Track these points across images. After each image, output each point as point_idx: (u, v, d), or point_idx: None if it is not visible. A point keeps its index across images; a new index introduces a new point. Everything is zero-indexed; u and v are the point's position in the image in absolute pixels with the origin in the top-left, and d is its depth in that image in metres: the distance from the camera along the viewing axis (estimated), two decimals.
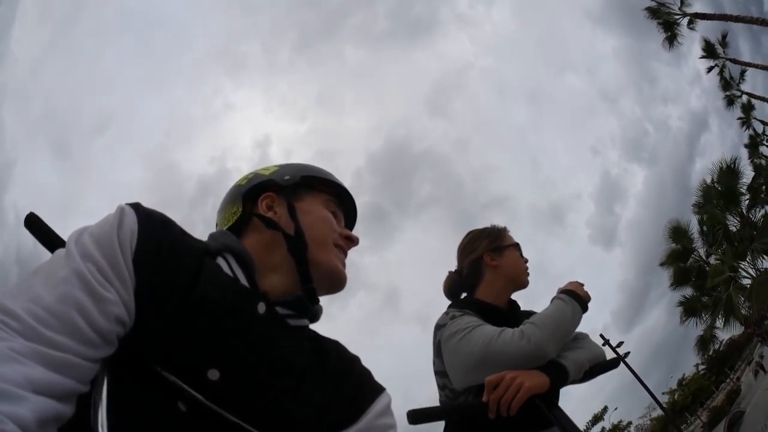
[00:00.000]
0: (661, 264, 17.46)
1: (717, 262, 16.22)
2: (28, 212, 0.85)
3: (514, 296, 1.82)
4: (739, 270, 15.69)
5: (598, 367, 1.58)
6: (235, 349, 0.75)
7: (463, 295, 1.84)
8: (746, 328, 18.97)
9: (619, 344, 22.20)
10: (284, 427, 0.77)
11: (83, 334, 0.65)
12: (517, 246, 1.84)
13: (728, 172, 15.91)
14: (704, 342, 17.72)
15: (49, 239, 0.83)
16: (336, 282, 0.94)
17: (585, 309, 1.60)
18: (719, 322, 16.18)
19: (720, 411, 22.47)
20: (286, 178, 0.96)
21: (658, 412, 28.51)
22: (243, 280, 0.82)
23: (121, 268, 0.70)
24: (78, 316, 0.65)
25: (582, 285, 1.68)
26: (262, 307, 0.81)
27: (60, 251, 0.72)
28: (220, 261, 0.83)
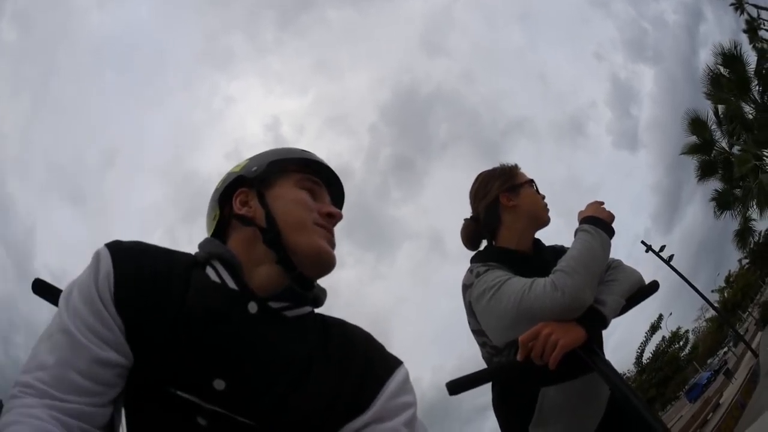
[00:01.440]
0: (682, 153, 17.21)
1: (740, 152, 16.01)
2: (34, 279, 0.95)
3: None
4: (764, 158, 15.49)
5: (636, 296, 1.51)
6: (233, 354, 0.77)
7: (484, 243, 1.77)
8: None
9: (662, 248, 21.40)
10: (294, 421, 0.78)
11: (85, 388, 0.72)
12: (531, 182, 1.74)
13: (733, 59, 15.54)
14: (743, 235, 17.51)
15: (57, 298, 0.86)
16: (321, 262, 0.91)
17: (611, 234, 1.51)
18: (755, 214, 16.08)
19: None
20: (254, 169, 0.94)
21: (712, 312, 28.34)
22: (231, 284, 0.83)
23: (103, 316, 0.75)
24: (75, 375, 0.72)
25: (602, 205, 1.59)
26: (253, 307, 0.82)
27: (56, 311, 0.79)
28: (209, 269, 0.84)
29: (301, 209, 0.92)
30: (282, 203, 0.91)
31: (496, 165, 1.79)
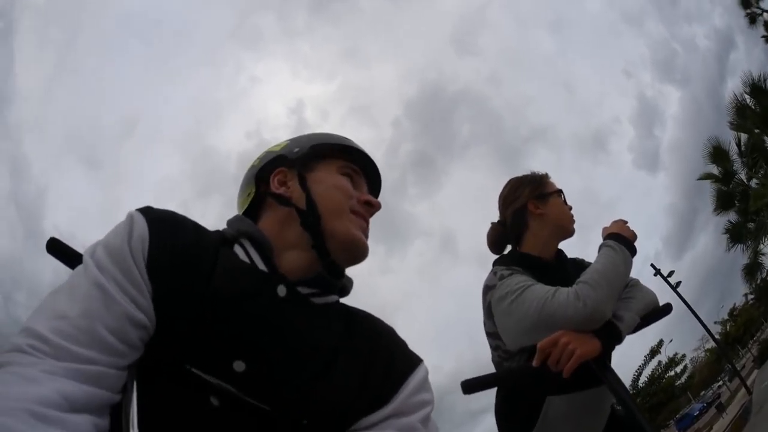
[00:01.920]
0: (699, 179, 17.05)
1: (757, 185, 15.81)
2: (49, 237, 0.89)
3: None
4: None
5: (650, 316, 1.55)
6: (258, 337, 0.75)
7: (508, 248, 1.79)
8: None
9: (670, 273, 21.73)
10: (316, 411, 0.77)
11: (110, 345, 0.68)
12: (560, 192, 1.76)
13: (760, 90, 15.32)
14: (751, 270, 17.31)
15: (72, 259, 0.86)
16: (355, 252, 0.90)
17: (634, 252, 1.54)
18: (766, 248, 15.89)
19: None
20: (296, 150, 0.93)
21: (712, 343, 28.18)
22: (261, 265, 0.81)
23: (135, 276, 0.72)
24: (103, 329, 0.67)
25: (626, 223, 1.62)
26: (282, 290, 0.80)
27: (78, 268, 0.74)
28: (237, 248, 0.83)
29: (342, 195, 0.90)
30: (323, 188, 0.90)
31: (519, 171, 1.80)
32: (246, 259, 0.81)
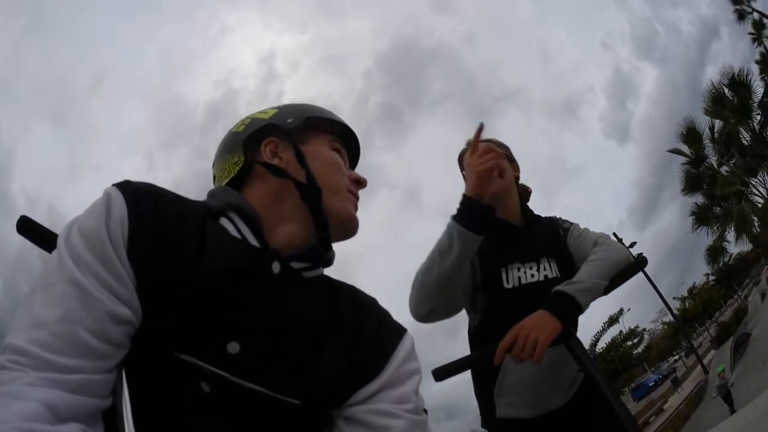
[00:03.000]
0: (670, 151, 17.39)
1: (728, 173, 16.15)
2: (20, 216, 0.83)
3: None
4: (750, 186, 15.65)
5: (623, 274, 1.52)
6: (253, 317, 0.72)
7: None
8: (755, 248, 19.16)
9: (632, 244, 22.03)
10: (309, 387, 0.75)
11: (93, 348, 0.63)
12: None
13: (740, 84, 15.52)
14: (714, 253, 17.89)
15: (45, 239, 0.81)
16: (350, 229, 0.90)
17: (480, 214, 1.37)
18: (730, 236, 16.35)
19: (727, 328, 22.95)
20: (289, 121, 0.89)
21: (670, 317, 29.28)
22: (252, 240, 0.78)
23: (115, 266, 0.66)
24: (84, 332, 0.62)
25: (486, 154, 1.41)
26: (276, 266, 0.77)
27: (53, 256, 0.68)
28: (225, 222, 0.79)
29: (338, 173, 0.90)
30: (320, 163, 0.88)
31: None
32: (237, 234, 0.77)
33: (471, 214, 1.34)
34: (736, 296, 36.92)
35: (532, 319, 1.36)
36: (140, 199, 0.71)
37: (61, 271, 0.65)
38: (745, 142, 15.93)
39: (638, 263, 1.57)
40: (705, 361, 21.98)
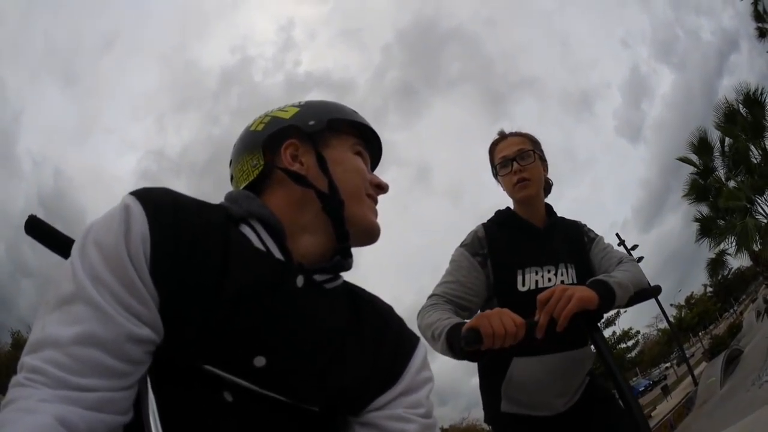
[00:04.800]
0: (678, 159, 17.27)
1: (734, 188, 16.09)
2: (29, 215, 0.79)
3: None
4: (756, 204, 15.61)
5: (641, 293, 1.55)
6: (279, 332, 0.72)
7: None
8: (756, 266, 19.11)
9: (634, 247, 22.24)
10: (330, 396, 0.76)
11: (112, 369, 0.61)
12: (503, 160, 1.77)
13: (754, 102, 15.41)
14: (715, 265, 17.85)
15: (56, 242, 0.78)
16: (371, 236, 0.88)
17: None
18: (731, 249, 16.33)
19: (721, 342, 22.97)
20: (311, 123, 0.85)
21: (665, 324, 29.35)
22: (276, 253, 0.76)
23: (136, 287, 0.63)
24: (102, 354, 0.61)
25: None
26: (300, 280, 0.76)
27: (68, 268, 0.65)
28: (246, 230, 0.76)
29: (360, 179, 0.87)
30: (343, 169, 0.85)
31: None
32: (260, 246, 0.75)
33: (462, 346, 1.30)
34: (732, 310, 36.96)
35: (572, 286, 1.39)
36: (161, 211, 0.68)
37: (77, 288, 0.62)
38: (754, 160, 15.87)
39: (654, 290, 1.60)
40: (696, 372, 22.08)
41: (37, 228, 0.77)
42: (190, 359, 0.68)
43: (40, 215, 0.79)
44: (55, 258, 0.76)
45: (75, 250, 0.66)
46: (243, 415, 0.70)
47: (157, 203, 0.68)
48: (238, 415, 0.70)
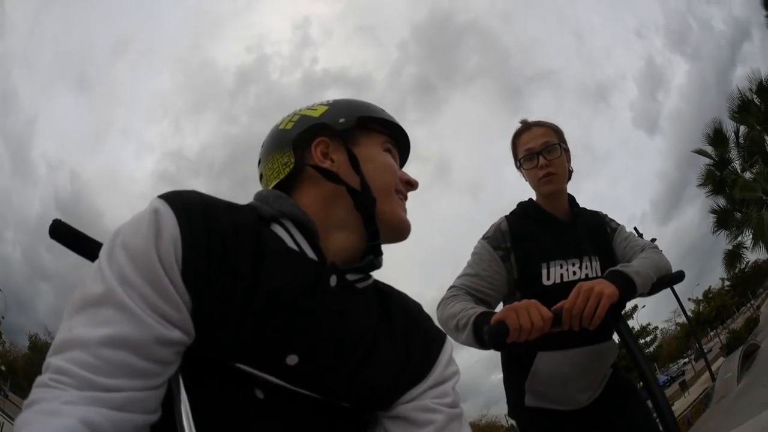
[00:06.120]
0: (694, 152, 17.10)
1: (751, 179, 15.83)
2: (53, 219, 0.78)
3: None
4: None
5: (664, 279, 1.53)
6: (312, 332, 0.72)
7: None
8: None
9: (653, 240, 21.92)
10: (362, 392, 0.77)
11: (140, 370, 0.61)
12: (529, 153, 1.73)
13: (767, 90, 15.13)
14: (732, 258, 17.60)
15: (80, 245, 0.78)
16: (401, 233, 0.88)
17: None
18: (748, 242, 16.07)
19: (738, 336, 22.67)
20: (341, 120, 0.86)
21: (683, 318, 28.97)
22: (310, 252, 0.76)
23: (167, 290, 0.63)
24: (130, 355, 0.60)
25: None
26: (333, 280, 0.76)
27: (95, 271, 0.64)
28: (278, 230, 0.77)
29: (391, 175, 0.88)
30: (374, 166, 0.85)
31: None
32: (293, 246, 0.75)
33: (490, 338, 1.29)
34: (749, 304, 36.41)
35: (591, 281, 1.36)
36: (192, 214, 0.67)
37: (105, 290, 0.62)
38: None
39: (677, 275, 1.58)
40: (713, 367, 21.76)
41: (62, 232, 0.77)
42: (222, 358, 0.68)
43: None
44: (74, 261, 0.77)
45: (103, 253, 0.65)
46: (274, 412, 0.71)
47: (187, 206, 0.68)
48: (269, 412, 0.71)
